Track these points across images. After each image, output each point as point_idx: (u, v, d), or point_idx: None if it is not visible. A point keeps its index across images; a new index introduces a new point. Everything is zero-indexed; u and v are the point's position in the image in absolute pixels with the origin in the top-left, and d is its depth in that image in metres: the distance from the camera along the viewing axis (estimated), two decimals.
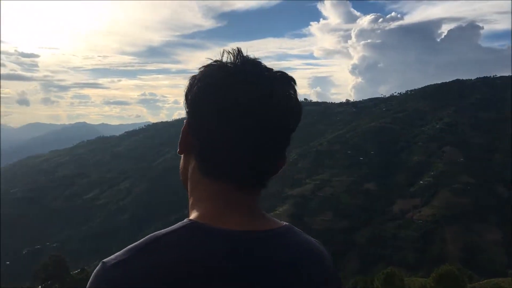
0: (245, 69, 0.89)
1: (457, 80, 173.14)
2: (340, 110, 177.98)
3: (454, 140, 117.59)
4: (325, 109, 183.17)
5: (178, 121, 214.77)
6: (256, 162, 0.89)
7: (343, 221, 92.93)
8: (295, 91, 0.93)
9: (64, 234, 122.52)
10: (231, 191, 0.90)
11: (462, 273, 28.09)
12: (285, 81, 0.92)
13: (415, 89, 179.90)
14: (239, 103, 0.85)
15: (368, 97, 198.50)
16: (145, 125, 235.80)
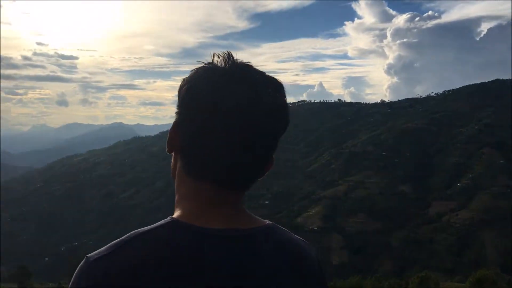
0: (233, 72, 0.91)
1: (497, 80, 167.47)
2: (375, 110, 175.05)
3: (493, 141, 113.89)
4: (359, 109, 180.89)
5: None
6: (239, 164, 0.89)
7: (376, 223, 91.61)
8: (283, 95, 0.94)
9: (100, 232, 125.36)
10: (214, 191, 0.91)
11: (500, 278, 27.26)
12: (273, 86, 0.93)
13: (453, 89, 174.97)
14: (224, 104, 0.86)
15: (404, 98, 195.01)
16: None
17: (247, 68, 0.93)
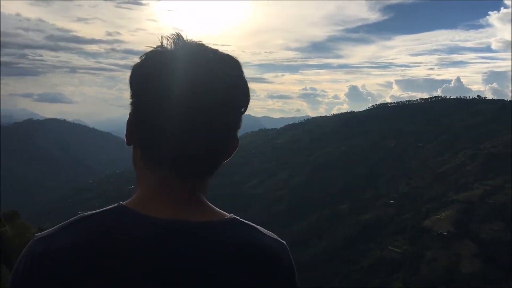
0: (182, 53, 0.88)
1: None
2: None
3: None
4: (501, 107, 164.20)
5: (336, 116, 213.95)
6: (190, 150, 0.86)
7: None
8: (237, 74, 0.91)
9: None
10: (166, 179, 0.89)
11: None
12: (227, 64, 0.90)
13: None
14: (173, 87, 0.84)
15: None
16: (304, 119, 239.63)
17: (197, 48, 0.90)
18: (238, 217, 0.95)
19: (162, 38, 0.90)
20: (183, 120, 0.84)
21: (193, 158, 0.87)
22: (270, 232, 0.98)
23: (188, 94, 0.84)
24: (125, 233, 0.82)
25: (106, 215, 0.86)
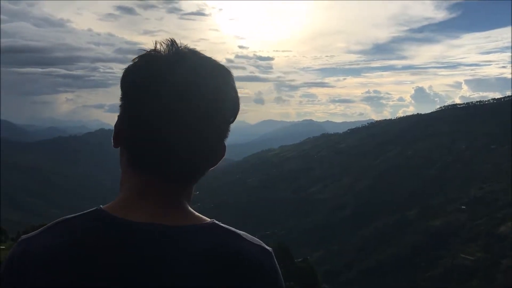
0: (174, 59, 0.88)
1: None
2: None
3: None
4: None
5: (402, 119, 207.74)
6: (173, 154, 0.86)
7: None
8: (227, 82, 0.91)
9: (289, 223, 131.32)
10: (146, 182, 0.89)
11: None
12: (216, 72, 0.90)
13: None
14: (160, 91, 0.84)
15: None
16: (368, 123, 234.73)
17: (189, 54, 0.90)
18: (218, 223, 0.92)
19: (156, 43, 0.90)
20: (169, 125, 0.84)
21: (178, 163, 0.87)
22: (255, 239, 0.95)
23: (176, 99, 0.84)
24: (99, 236, 0.83)
25: (84, 218, 0.87)
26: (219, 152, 0.94)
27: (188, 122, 0.85)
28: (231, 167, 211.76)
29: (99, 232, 0.84)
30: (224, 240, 0.89)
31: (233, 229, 0.93)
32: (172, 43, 0.90)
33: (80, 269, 0.80)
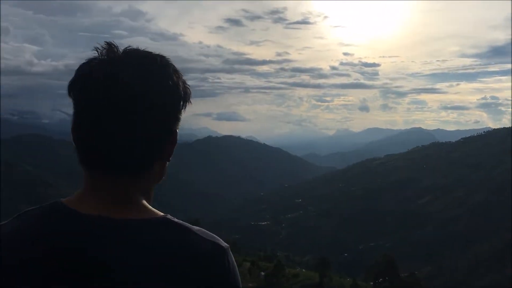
0: (116, 58, 0.91)
1: None
2: None
3: None
4: None
5: None
6: (113, 148, 0.89)
7: None
8: (159, 73, 0.93)
9: (396, 236, 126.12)
10: (96, 178, 0.92)
11: None
12: (145, 66, 0.92)
13: None
14: (98, 90, 0.87)
15: None
16: (484, 131, 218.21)
17: (132, 53, 0.94)
18: (171, 218, 0.93)
19: (108, 44, 0.94)
20: (102, 119, 0.88)
21: (118, 156, 0.89)
22: (210, 235, 0.94)
23: (101, 94, 0.87)
24: (50, 228, 0.87)
25: (42, 210, 0.91)
26: (163, 141, 0.95)
27: (116, 114, 0.87)
28: (335, 176, 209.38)
29: (52, 223, 0.88)
30: (172, 234, 0.89)
31: (185, 224, 0.93)
32: (109, 44, 0.94)
33: (31, 258, 0.84)
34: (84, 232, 0.86)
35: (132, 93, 0.88)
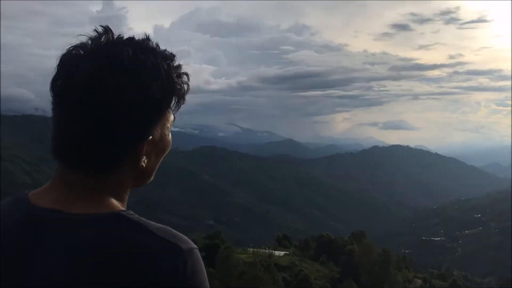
0: (80, 53, 0.88)
1: None
2: None
3: None
4: None
5: None
6: (75, 143, 0.85)
7: None
8: (133, 71, 0.85)
9: None
10: (60, 172, 0.90)
11: None
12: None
13: None
14: (68, 83, 0.85)
15: None
16: None
17: (104, 43, 0.89)
18: (127, 214, 0.87)
19: (104, 29, 0.90)
20: (67, 116, 0.86)
21: (76, 152, 0.86)
22: (174, 235, 0.86)
23: (70, 88, 0.85)
24: (7, 218, 0.88)
25: (8, 201, 0.93)
26: (130, 142, 0.88)
27: (72, 109, 0.85)
28: None
29: (9, 213, 0.89)
30: (121, 231, 0.84)
31: (143, 221, 0.86)
32: (105, 29, 0.90)
33: None
34: (27, 222, 0.86)
35: (89, 87, 0.83)
